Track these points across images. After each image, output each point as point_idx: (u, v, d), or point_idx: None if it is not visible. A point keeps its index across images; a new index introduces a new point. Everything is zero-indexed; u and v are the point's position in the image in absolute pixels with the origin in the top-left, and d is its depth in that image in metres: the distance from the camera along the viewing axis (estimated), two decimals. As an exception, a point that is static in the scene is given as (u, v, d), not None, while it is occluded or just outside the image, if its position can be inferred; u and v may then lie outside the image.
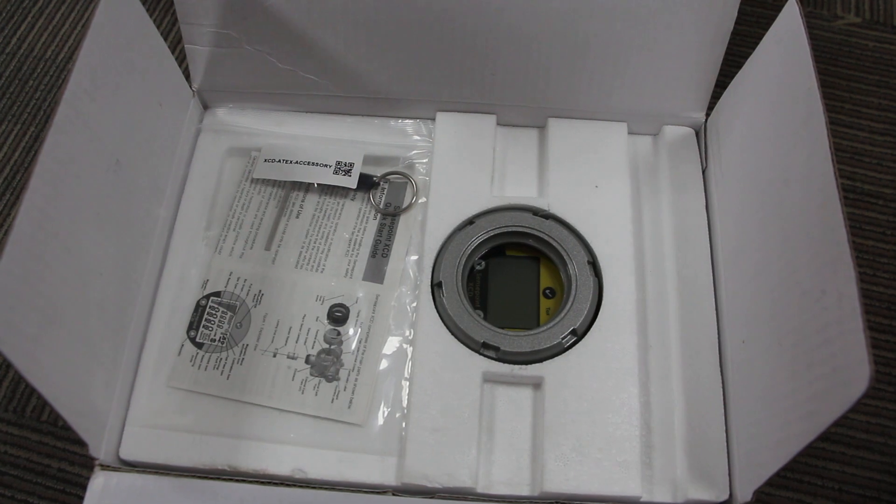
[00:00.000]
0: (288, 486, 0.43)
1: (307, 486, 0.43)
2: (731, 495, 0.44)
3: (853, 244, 0.37)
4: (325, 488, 0.43)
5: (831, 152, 0.39)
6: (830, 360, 0.36)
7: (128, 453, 0.45)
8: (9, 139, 0.68)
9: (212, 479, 0.43)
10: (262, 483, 0.43)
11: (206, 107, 0.56)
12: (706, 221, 0.50)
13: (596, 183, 0.51)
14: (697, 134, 0.54)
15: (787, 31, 0.42)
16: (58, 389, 0.39)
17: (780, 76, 0.43)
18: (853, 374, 0.34)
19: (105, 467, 0.43)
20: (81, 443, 0.43)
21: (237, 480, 0.43)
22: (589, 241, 0.49)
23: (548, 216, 0.50)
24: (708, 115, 0.53)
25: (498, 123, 0.54)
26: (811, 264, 0.38)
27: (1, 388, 0.59)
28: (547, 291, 0.50)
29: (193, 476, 0.43)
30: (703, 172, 0.52)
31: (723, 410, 0.45)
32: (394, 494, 0.43)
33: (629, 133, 0.54)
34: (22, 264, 0.36)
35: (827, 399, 0.35)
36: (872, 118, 0.69)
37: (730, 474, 0.44)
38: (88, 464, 0.44)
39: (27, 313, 0.36)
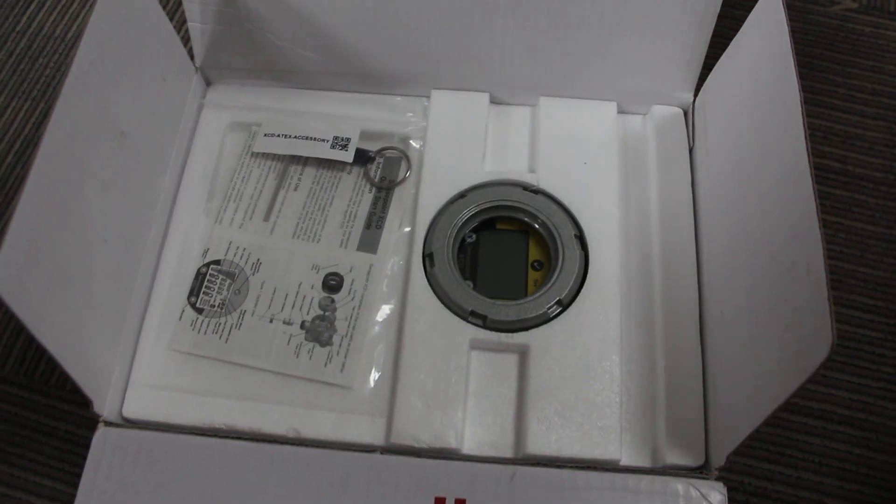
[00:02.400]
0: (282, 443, 0.45)
1: (300, 445, 0.45)
2: (706, 460, 0.46)
3: (823, 219, 0.39)
4: (318, 446, 0.45)
5: (805, 131, 0.41)
6: (797, 329, 0.38)
7: (130, 412, 0.47)
8: (19, 114, 0.71)
9: (209, 436, 0.45)
10: (258, 441, 0.45)
11: (208, 83, 0.58)
12: (691, 198, 0.52)
13: (584, 160, 0.53)
14: (686, 113, 0.55)
15: (768, 14, 0.44)
16: (64, 348, 0.41)
17: (760, 58, 0.45)
18: (816, 342, 0.36)
19: (108, 424, 0.46)
20: (87, 406, 0.45)
21: (234, 438, 0.45)
22: (576, 216, 0.51)
23: (537, 191, 0.52)
24: (696, 95, 0.54)
25: (491, 101, 0.56)
26: (783, 237, 0.40)
27: (12, 353, 0.61)
28: (535, 264, 0.52)
29: (192, 433, 0.46)
30: (690, 151, 0.54)
31: (701, 380, 0.47)
32: (382, 453, 0.45)
33: (620, 112, 0.56)
34: (31, 229, 0.38)
35: (792, 366, 0.37)
36: (866, 103, 0.71)
37: (706, 440, 0.46)
38: (94, 426, 0.47)
39: (36, 275, 0.39)
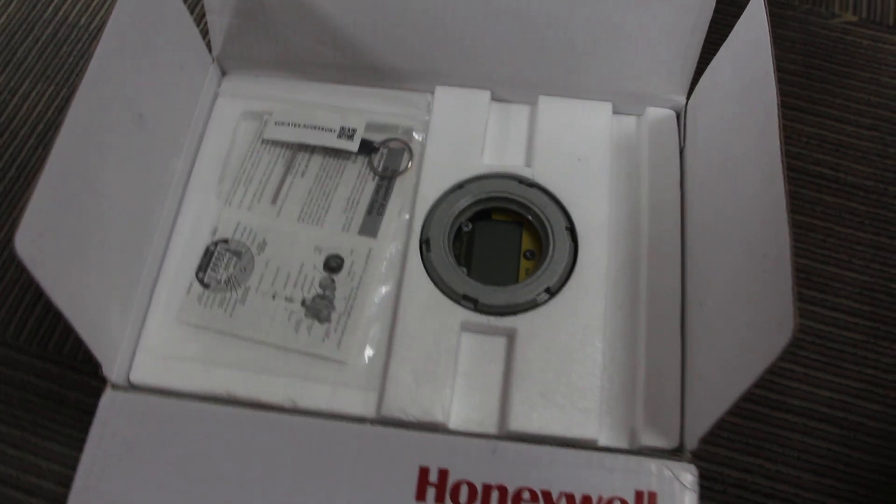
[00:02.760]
0: (279, 412, 0.48)
1: (296, 414, 0.48)
2: (681, 444, 0.48)
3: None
4: (312, 416, 0.48)
5: (780, 136, 0.43)
6: (764, 317, 0.40)
7: (137, 377, 0.50)
8: (43, 98, 0.75)
9: (210, 402, 0.48)
10: (256, 408, 0.48)
11: (224, 73, 0.61)
12: (679, 196, 0.55)
13: (579, 157, 0.56)
14: (678, 116, 0.58)
15: (753, 24, 0.47)
16: (78, 313, 0.44)
17: (744, 65, 0.48)
18: (780, 328, 0.38)
19: (116, 387, 0.49)
20: (97, 376, 0.48)
21: (233, 405, 0.48)
22: (568, 209, 0.54)
23: (532, 185, 0.55)
24: (688, 98, 0.57)
25: (492, 99, 0.59)
26: (757, 232, 0.43)
27: (27, 324, 0.65)
28: (527, 253, 0.55)
29: (195, 400, 0.49)
30: (681, 151, 0.57)
31: (680, 368, 0.50)
32: (372, 425, 0.48)
33: (615, 113, 0.59)
34: (53, 199, 0.42)
35: (758, 351, 0.40)
36: (861, 113, 0.73)
37: (682, 425, 0.49)
38: (102, 394, 0.50)
39: (55, 243, 0.42)
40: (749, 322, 0.42)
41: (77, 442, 0.61)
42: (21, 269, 0.68)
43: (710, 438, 0.61)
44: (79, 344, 0.65)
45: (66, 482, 0.49)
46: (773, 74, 0.44)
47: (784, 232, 0.40)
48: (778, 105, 0.44)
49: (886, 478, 0.61)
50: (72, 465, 0.60)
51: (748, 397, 0.62)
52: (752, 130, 0.46)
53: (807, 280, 0.67)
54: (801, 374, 0.64)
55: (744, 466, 0.61)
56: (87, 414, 0.61)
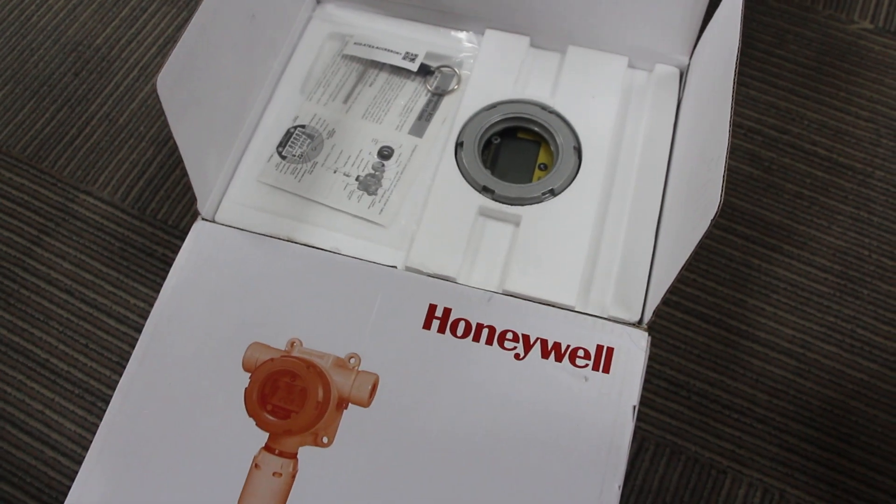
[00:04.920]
0: (326, 252, 0.65)
1: (339, 255, 0.65)
2: (641, 319, 0.63)
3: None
4: (352, 258, 0.65)
5: (733, 84, 0.57)
6: (703, 203, 0.56)
7: (221, 218, 0.68)
8: (166, 18, 0.94)
9: (275, 238, 0.66)
10: (308, 247, 0.65)
11: (318, 1, 0.79)
12: (670, 139, 0.70)
13: (593, 95, 0.72)
14: (682, 73, 0.74)
15: (732, 2, 0.62)
16: (188, 151, 0.62)
17: (722, 34, 0.63)
18: (710, 207, 0.53)
19: (205, 220, 0.67)
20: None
21: (292, 243, 0.66)
22: (578, 134, 0.70)
23: (552, 111, 0.71)
24: (690, 58, 0.73)
25: (531, 45, 0.76)
26: (708, 146, 0.58)
27: (132, 191, 0.84)
28: (541, 165, 0.71)
29: (263, 236, 0.66)
30: (679, 103, 0.72)
31: (650, 261, 0.65)
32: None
33: (630, 67, 0.74)
34: (185, 58, 0.59)
35: (694, 230, 0.55)
36: (861, 106, 0.87)
37: (644, 305, 0.64)
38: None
39: (182, 93, 0.60)
40: (694, 213, 0.57)
41: (159, 287, 0.79)
42: (131, 150, 0.87)
43: (683, 354, 0.76)
44: (169, 211, 0.83)
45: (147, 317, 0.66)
46: (737, 47, 0.59)
47: (723, 144, 0.55)
48: (735, 74, 0.58)
49: (830, 406, 0.74)
50: (151, 303, 0.78)
51: (721, 325, 0.77)
52: (719, 82, 0.61)
53: (788, 238, 0.81)
54: (771, 313, 0.78)
55: (708, 380, 0.75)
56: (170, 266, 0.80)
